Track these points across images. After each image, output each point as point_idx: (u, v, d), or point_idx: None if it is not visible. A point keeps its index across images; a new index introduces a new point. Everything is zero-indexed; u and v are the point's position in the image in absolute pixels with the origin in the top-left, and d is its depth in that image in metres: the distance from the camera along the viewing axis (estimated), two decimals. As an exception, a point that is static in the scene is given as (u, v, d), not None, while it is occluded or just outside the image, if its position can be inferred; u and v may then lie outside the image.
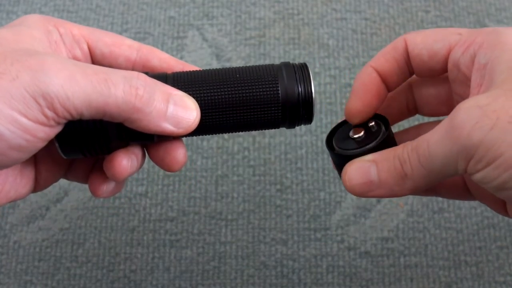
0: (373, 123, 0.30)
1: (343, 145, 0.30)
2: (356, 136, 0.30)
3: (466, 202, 0.49)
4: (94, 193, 0.31)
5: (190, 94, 0.28)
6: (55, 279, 0.48)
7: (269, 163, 0.51)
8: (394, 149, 0.27)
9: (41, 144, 0.25)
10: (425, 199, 0.49)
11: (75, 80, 0.24)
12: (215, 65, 0.54)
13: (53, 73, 0.23)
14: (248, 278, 0.48)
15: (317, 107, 0.29)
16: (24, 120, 0.23)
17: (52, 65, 0.23)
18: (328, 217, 0.49)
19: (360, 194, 0.28)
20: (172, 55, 0.57)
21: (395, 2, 0.56)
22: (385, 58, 0.30)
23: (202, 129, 0.29)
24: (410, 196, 0.49)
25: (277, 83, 0.28)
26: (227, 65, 0.54)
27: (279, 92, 0.28)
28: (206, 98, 0.28)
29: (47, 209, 0.50)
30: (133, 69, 0.31)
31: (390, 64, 0.30)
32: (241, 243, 0.49)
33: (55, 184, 0.50)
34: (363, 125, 0.31)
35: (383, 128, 0.30)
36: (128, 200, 0.50)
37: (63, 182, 0.51)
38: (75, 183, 0.51)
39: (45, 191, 0.51)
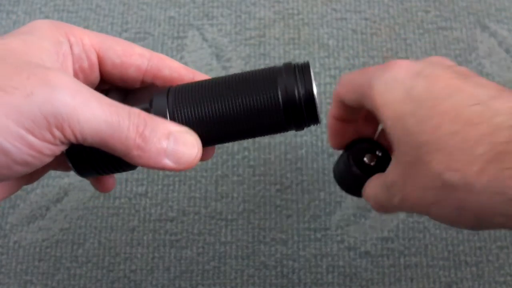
0: (380, 153, 0.36)
1: (359, 164, 0.37)
2: (372, 163, 0.36)
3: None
4: (98, 189, 0.32)
5: (190, 111, 0.28)
6: (55, 279, 0.48)
7: (269, 163, 0.51)
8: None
9: (47, 159, 0.25)
10: (425, 199, 0.49)
11: (89, 106, 0.24)
12: (215, 65, 0.54)
13: (69, 94, 0.23)
14: (248, 278, 0.48)
15: (320, 106, 0.31)
16: (30, 137, 0.23)
17: (69, 86, 0.23)
18: (328, 217, 0.49)
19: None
20: (172, 55, 0.57)
21: (395, 2, 0.56)
22: (334, 105, 0.36)
23: (209, 142, 0.29)
24: (410, 196, 0.49)
25: (277, 88, 0.28)
26: (227, 65, 0.54)
27: (280, 97, 0.28)
28: (207, 113, 0.28)
29: (47, 209, 0.50)
30: (143, 78, 0.31)
31: (338, 109, 0.35)
32: (241, 243, 0.49)
33: (55, 184, 0.51)
34: (373, 151, 0.37)
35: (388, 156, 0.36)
36: (128, 200, 0.50)
37: (63, 182, 0.51)
38: (75, 183, 0.51)
39: (45, 191, 0.51)
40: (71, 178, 0.51)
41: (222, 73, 0.54)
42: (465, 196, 0.26)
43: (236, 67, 0.54)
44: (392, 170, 0.30)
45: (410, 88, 0.28)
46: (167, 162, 0.27)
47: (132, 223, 0.50)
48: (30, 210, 0.50)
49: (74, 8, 0.57)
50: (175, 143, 0.27)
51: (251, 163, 0.51)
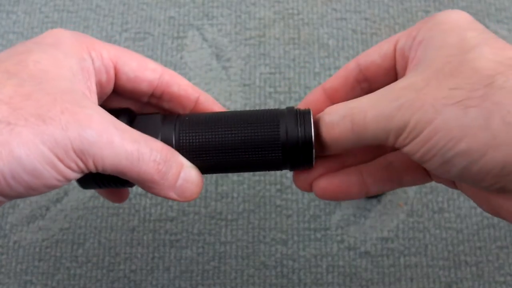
0: None
1: None
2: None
3: (466, 202, 0.49)
4: (113, 201, 0.36)
5: (195, 140, 0.30)
6: (55, 279, 0.48)
7: (269, 163, 0.51)
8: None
9: (66, 183, 0.27)
10: (425, 199, 0.49)
11: (113, 145, 0.26)
12: (215, 65, 0.54)
13: (97, 134, 0.25)
14: (248, 278, 0.48)
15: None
16: (60, 164, 0.25)
17: (97, 126, 0.25)
18: (328, 217, 0.49)
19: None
20: (172, 55, 0.57)
21: (395, 2, 0.56)
22: (335, 77, 0.33)
23: (208, 170, 0.31)
24: (410, 196, 0.49)
25: (278, 127, 0.29)
26: (227, 65, 0.54)
27: (280, 135, 0.29)
28: (210, 143, 0.30)
29: (47, 209, 0.50)
30: (153, 92, 0.32)
31: (339, 81, 0.33)
32: (241, 243, 0.49)
33: (55, 184, 0.50)
34: None
35: None
36: (128, 200, 0.50)
37: (63, 182, 0.51)
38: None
39: (45, 191, 0.51)
40: (71, 178, 0.51)
41: (222, 73, 0.54)
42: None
43: (236, 67, 0.54)
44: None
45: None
46: (173, 195, 0.29)
47: (132, 223, 0.50)
48: (30, 210, 0.50)
49: (74, 8, 0.57)
50: (184, 179, 0.29)
51: (251, 163, 0.51)
